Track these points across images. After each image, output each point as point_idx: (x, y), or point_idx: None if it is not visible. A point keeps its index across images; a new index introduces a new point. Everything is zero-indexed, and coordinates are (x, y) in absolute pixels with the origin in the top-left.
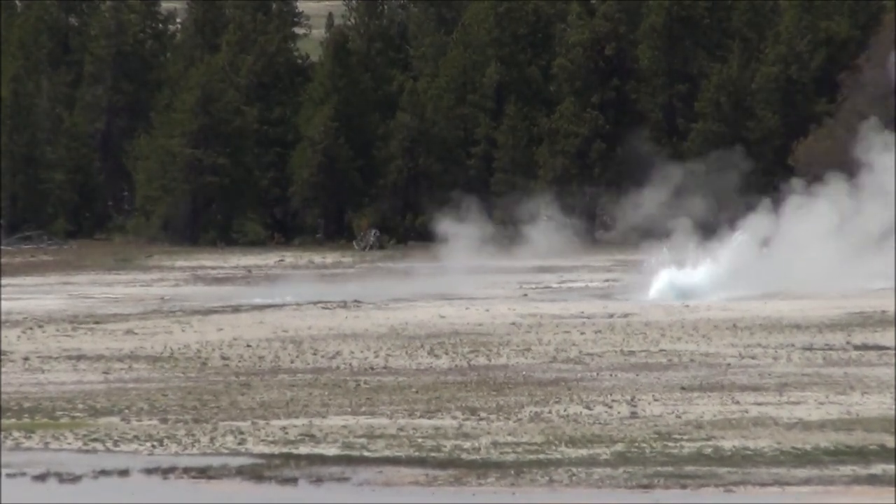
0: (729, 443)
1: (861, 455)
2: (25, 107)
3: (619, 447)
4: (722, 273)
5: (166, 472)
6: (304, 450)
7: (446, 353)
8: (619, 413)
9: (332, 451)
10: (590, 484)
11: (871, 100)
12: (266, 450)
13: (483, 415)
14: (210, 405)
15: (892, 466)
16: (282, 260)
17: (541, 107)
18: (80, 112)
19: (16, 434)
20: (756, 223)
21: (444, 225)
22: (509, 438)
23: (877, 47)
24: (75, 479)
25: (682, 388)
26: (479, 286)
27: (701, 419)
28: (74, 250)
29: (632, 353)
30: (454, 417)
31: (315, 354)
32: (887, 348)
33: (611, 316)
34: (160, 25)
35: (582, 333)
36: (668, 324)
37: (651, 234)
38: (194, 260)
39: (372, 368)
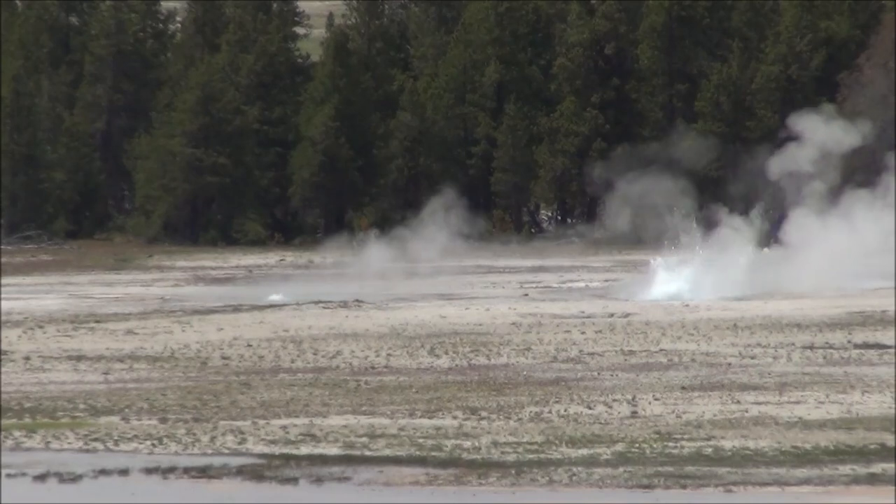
0: (729, 443)
1: (861, 454)
2: (25, 107)
3: (620, 447)
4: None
5: (166, 471)
6: (304, 449)
7: (447, 353)
8: (619, 413)
9: (332, 450)
10: (590, 484)
11: (871, 100)
12: (266, 449)
13: (483, 414)
14: (210, 405)
15: (893, 465)
16: (282, 259)
17: (541, 106)
18: (80, 112)
19: (16, 434)
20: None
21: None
22: (510, 438)
23: (877, 47)
24: (75, 478)
25: (683, 388)
26: (480, 286)
27: (701, 419)
28: (74, 250)
29: (632, 352)
30: (455, 417)
31: (315, 354)
32: (888, 347)
33: (611, 315)
34: (160, 25)
35: (582, 333)
36: (668, 323)
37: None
38: (194, 260)
39: (372, 368)
